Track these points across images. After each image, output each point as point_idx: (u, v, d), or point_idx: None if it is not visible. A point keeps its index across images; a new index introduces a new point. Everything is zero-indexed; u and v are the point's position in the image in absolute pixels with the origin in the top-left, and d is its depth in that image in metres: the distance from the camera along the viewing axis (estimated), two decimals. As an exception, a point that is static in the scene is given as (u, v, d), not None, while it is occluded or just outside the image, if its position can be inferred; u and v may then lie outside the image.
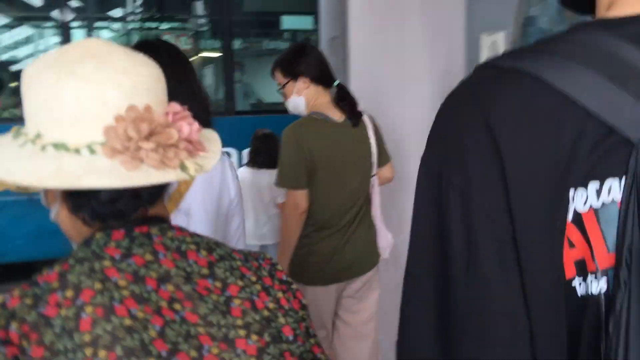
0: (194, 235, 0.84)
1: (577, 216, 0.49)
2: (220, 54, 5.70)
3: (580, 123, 0.49)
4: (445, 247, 0.54)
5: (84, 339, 0.68)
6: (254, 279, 0.83)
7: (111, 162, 0.72)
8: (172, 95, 0.87)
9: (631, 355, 0.45)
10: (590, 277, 0.50)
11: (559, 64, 0.50)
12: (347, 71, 2.81)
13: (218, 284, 0.80)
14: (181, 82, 1.50)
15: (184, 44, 6.42)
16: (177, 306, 0.75)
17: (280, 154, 2.23)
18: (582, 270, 0.50)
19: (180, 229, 0.83)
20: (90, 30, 5.78)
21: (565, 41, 0.52)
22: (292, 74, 2.31)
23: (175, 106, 0.79)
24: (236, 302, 0.80)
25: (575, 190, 0.49)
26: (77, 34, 5.53)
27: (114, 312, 0.71)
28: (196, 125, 0.79)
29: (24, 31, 6.85)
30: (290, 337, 0.82)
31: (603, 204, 0.49)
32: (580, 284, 0.51)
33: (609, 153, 0.48)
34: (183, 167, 0.76)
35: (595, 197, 0.49)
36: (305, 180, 2.20)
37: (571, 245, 0.50)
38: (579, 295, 0.51)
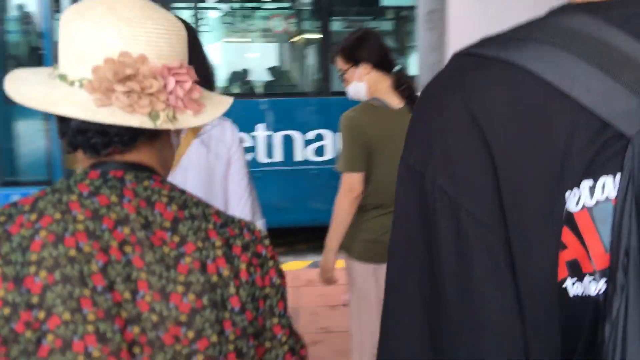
0: (174, 190, 0.86)
1: (569, 216, 0.47)
2: (319, 35, 5.65)
3: (573, 118, 0.46)
4: (433, 256, 0.50)
5: (31, 258, 0.76)
6: (218, 243, 0.84)
7: (88, 97, 0.80)
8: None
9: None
10: (588, 278, 0.48)
11: (547, 54, 0.46)
12: (445, 46, 2.68)
13: (176, 239, 0.81)
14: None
15: (279, 25, 6.46)
16: (128, 249, 0.79)
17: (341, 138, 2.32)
18: (576, 271, 0.48)
19: (162, 182, 0.86)
20: (195, 10, 5.94)
21: (549, 27, 0.48)
22: (354, 60, 2.35)
23: (175, 63, 0.83)
24: (187, 259, 0.81)
25: (571, 190, 0.47)
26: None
27: (62, 241, 0.77)
28: (187, 84, 0.83)
29: None
30: (236, 309, 0.83)
31: (597, 202, 0.46)
32: (573, 284, 0.48)
33: (603, 149, 0.45)
34: (153, 117, 0.80)
35: (589, 196, 0.46)
36: (361, 165, 2.28)
37: (562, 246, 0.48)
38: (571, 296, 0.48)
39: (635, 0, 0.48)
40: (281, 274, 0.91)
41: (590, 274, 0.48)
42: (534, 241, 0.48)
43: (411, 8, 6.19)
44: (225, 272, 0.83)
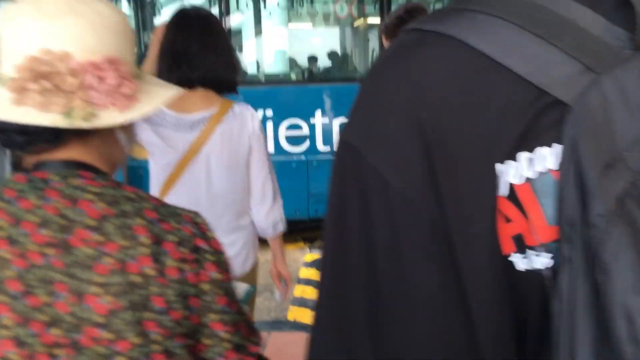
0: (107, 186, 0.83)
1: (511, 189, 0.45)
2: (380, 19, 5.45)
3: (508, 88, 0.44)
4: (366, 233, 0.49)
5: None
6: (145, 241, 0.81)
7: (8, 95, 0.79)
8: (195, 56, 1.56)
9: (577, 334, 0.42)
10: (530, 252, 0.47)
11: (482, 23, 0.46)
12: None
13: (99, 238, 0.80)
14: (205, 45, 1.83)
15: (340, 10, 6.29)
16: (49, 251, 0.78)
17: None
18: (521, 245, 0.46)
19: (94, 179, 0.83)
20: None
21: None
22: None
23: (98, 58, 0.80)
24: (107, 260, 0.79)
25: (503, 163, 0.45)
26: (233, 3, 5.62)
27: None
28: (111, 80, 0.80)
29: None
30: (161, 308, 0.80)
31: (538, 174, 0.44)
32: (519, 259, 0.47)
33: (539, 118, 0.44)
34: (68, 115, 0.78)
35: (528, 167, 0.45)
36: None
37: (507, 220, 0.46)
38: (519, 270, 0.47)
39: None
40: (224, 268, 0.87)
41: (534, 248, 0.46)
42: (470, 215, 0.46)
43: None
44: (149, 271, 0.80)
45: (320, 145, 5.24)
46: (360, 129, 0.50)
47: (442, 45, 0.47)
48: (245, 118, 1.90)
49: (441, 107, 0.46)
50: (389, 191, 0.47)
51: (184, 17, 1.90)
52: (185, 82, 1.82)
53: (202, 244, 0.86)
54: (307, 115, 5.19)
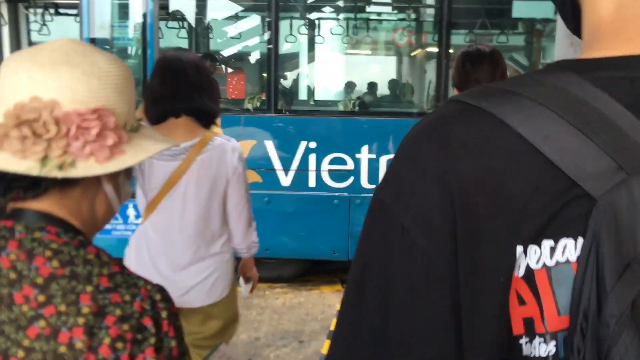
0: (68, 245, 0.82)
1: (530, 273, 0.46)
2: (440, 49, 5.10)
3: (540, 174, 0.46)
4: (386, 285, 0.51)
5: None
6: (85, 310, 0.78)
7: None
8: (187, 96, 1.99)
9: None
10: (538, 339, 0.47)
11: (526, 108, 0.47)
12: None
13: (41, 298, 0.78)
14: (187, 83, 2.04)
15: (399, 38, 6.00)
16: None
17: None
18: (529, 329, 0.47)
19: (58, 234, 0.82)
20: (304, 18, 5.65)
21: (534, 82, 0.49)
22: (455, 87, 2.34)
23: (83, 108, 0.80)
24: (41, 323, 0.77)
25: (524, 247, 0.46)
26: (285, 27, 5.42)
27: None
28: (94, 130, 0.79)
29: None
30: None
31: (557, 263, 0.45)
32: (526, 343, 0.47)
33: (567, 209, 0.45)
34: (44, 163, 0.78)
35: (549, 256, 0.45)
36: None
37: (521, 302, 0.47)
38: (524, 354, 0.47)
39: (624, 62, 0.48)
40: (166, 355, 0.83)
41: (541, 335, 0.47)
42: (482, 290, 0.48)
43: (546, 21, 5.49)
44: (79, 344, 0.77)
45: (365, 183, 4.90)
46: (394, 188, 0.53)
47: (483, 121, 0.49)
48: (225, 150, 2.05)
49: (473, 181, 0.48)
50: (415, 250, 0.50)
51: (167, 59, 2.13)
52: (170, 111, 2.03)
53: (149, 324, 0.81)
54: (352, 149, 4.88)
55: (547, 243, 0.45)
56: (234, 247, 2.19)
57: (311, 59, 6.38)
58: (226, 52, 6.53)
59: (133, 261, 2.13)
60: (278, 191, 4.90)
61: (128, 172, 0.96)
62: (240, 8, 5.99)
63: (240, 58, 6.55)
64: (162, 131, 1.88)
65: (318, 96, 6.36)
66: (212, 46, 6.85)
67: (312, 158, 4.87)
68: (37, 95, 0.79)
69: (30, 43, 7.00)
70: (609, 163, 0.44)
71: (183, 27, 6.52)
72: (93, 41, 4.80)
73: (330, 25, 6.11)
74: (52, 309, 0.77)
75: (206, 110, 2.05)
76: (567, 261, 0.45)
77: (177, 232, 2.05)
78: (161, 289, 0.86)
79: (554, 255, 0.45)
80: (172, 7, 5.78)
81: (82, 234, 0.87)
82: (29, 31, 6.85)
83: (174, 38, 6.45)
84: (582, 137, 0.45)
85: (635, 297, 0.40)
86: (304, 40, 6.23)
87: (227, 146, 2.06)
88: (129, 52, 5.19)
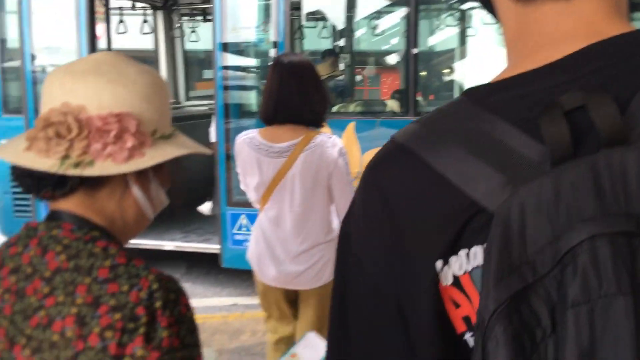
0: (79, 240, 0.86)
1: (456, 279, 0.53)
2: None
3: (449, 198, 0.53)
4: (345, 300, 0.61)
5: None
6: (79, 300, 0.81)
7: (24, 142, 0.88)
8: (285, 99, 2.23)
9: None
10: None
11: (437, 142, 0.55)
12: None
13: (46, 290, 0.83)
14: (294, 90, 2.27)
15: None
16: (7, 297, 0.86)
17: None
18: (470, 325, 0.53)
19: (73, 230, 0.87)
20: (450, 8, 5.06)
21: (447, 115, 0.57)
22: None
23: (107, 113, 0.86)
24: (41, 313, 0.82)
25: (445, 259, 0.54)
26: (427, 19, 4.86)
27: None
28: (112, 133, 0.84)
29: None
30: None
31: (474, 267, 0.52)
32: (471, 336, 0.53)
33: (473, 222, 0.52)
34: (62, 162, 0.84)
35: (467, 262, 0.53)
36: None
37: (456, 305, 0.54)
38: (470, 347, 0.53)
39: (517, 81, 0.55)
40: (155, 346, 0.81)
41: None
42: (414, 300, 0.55)
43: None
44: (69, 333, 0.80)
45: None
46: (351, 218, 0.61)
47: (406, 160, 0.57)
48: (325, 146, 2.23)
49: (401, 211, 0.56)
50: (362, 268, 0.58)
51: (278, 64, 2.34)
52: (273, 119, 2.28)
53: (141, 313, 0.81)
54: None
55: (463, 252, 0.53)
56: None
57: (459, 54, 5.75)
58: (365, 51, 6.13)
59: (253, 250, 2.40)
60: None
61: (163, 181, 0.98)
62: (379, 3, 5.55)
63: (378, 57, 6.10)
64: (271, 130, 2.30)
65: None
66: (354, 45, 6.49)
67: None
68: (67, 101, 0.86)
69: (184, 50, 7.19)
70: (500, 179, 0.50)
71: (325, 27, 6.26)
72: (225, 45, 4.64)
73: (482, 14, 5.45)
74: (53, 300, 0.82)
75: (310, 118, 2.27)
76: (479, 265, 0.52)
77: (287, 221, 2.28)
78: (162, 278, 0.85)
79: (470, 261, 0.52)
80: (309, 7, 5.51)
81: (102, 229, 0.90)
82: (182, 38, 7.02)
83: (314, 38, 6.20)
84: (476, 160, 0.52)
85: (515, 294, 0.44)
86: (449, 33, 5.62)
87: (327, 143, 2.24)
88: (262, 54, 4.99)
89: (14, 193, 5.46)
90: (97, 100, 0.87)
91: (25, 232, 0.90)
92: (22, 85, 5.19)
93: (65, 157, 0.84)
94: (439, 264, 0.53)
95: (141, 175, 0.92)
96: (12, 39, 5.37)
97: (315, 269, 2.32)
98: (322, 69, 5.69)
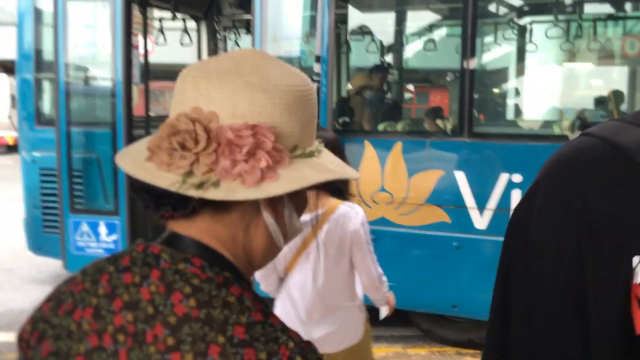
0: (211, 282, 0.74)
1: None
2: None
3: None
4: (523, 292, 0.65)
5: (53, 321, 0.78)
6: None
7: (146, 152, 0.78)
8: None
9: None
10: None
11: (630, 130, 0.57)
12: None
13: (170, 341, 0.71)
14: None
15: (629, 48, 4.71)
16: (121, 338, 0.74)
17: None
18: None
19: (203, 268, 0.75)
20: (508, 22, 4.64)
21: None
22: None
23: (241, 124, 0.74)
24: None
25: None
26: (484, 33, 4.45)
27: (73, 313, 0.76)
28: (244, 149, 0.74)
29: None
30: None
31: None
32: None
33: None
34: (184, 179, 0.73)
35: None
36: None
37: None
38: None
39: None
40: None
41: None
42: (603, 297, 0.57)
43: None
44: None
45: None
46: (528, 208, 0.62)
47: (606, 152, 0.58)
48: (348, 217, 2.28)
49: (598, 205, 0.57)
50: (543, 265, 0.61)
51: None
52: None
53: None
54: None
55: None
56: (371, 298, 2.51)
57: (517, 71, 5.31)
58: (416, 68, 5.76)
59: (280, 312, 2.39)
60: (471, 235, 3.94)
61: (299, 206, 0.86)
62: (432, 17, 5.18)
63: (429, 74, 5.72)
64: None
65: (526, 116, 5.26)
66: (403, 60, 6.13)
67: (516, 195, 3.83)
68: (198, 106, 0.75)
69: None
70: None
71: (373, 41, 5.94)
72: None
73: (543, 29, 5.00)
74: (178, 357, 0.70)
75: (335, 189, 2.31)
76: None
77: (312, 288, 2.33)
78: (304, 347, 0.74)
79: None
80: (356, 20, 5.19)
81: (233, 267, 0.79)
82: (225, 50, 6.85)
83: (361, 53, 5.89)
84: None
85: None
86: (507, 48, 5.19)
87: (350, 213, 2.29)
88: (305, 69, 4.67)
89: (44, 208, 5.30)
90: (231, 107, 0.75)
91: (143, 256, 0.77)
92: (55, 97, 5.01)
93: (189, 173, 0.73)
94: (635, 259, 0.56)
95: (274, 199, 0.80)
96: (48, 51, 5.21)
97: (339, 333, 2.39)
98: (365, 81, 5.35)
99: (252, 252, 0.82)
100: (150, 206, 0.79)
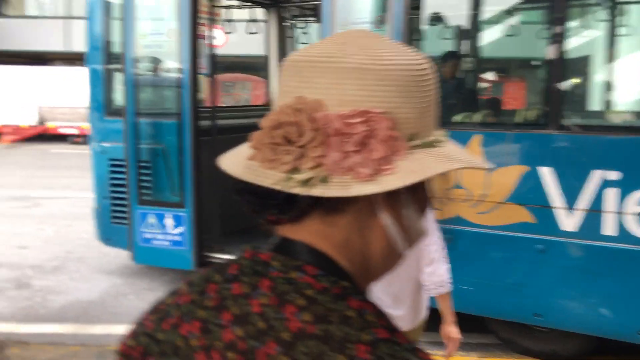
0: (327, 293, 0.68)
1: None
2: None
3: None
4: None
5: (157, 335, 0.75)
6: None
7: (248, 149, 0.74)
8: None
9: None
10: None
11: None
12: None
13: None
14: None
15: None
16: (230, 355, 0.68)
17: None
18: None
19: (318, 277, 0.69)
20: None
21: None
22: None
23: (350, 111, 0.67)
24: None
25: None
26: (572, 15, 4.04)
27: (179, 326, 0.73)
28: (355, 137, 0.66)
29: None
30: None
31: None
32: None
33: None
34: (289, 177, 0.67)
35: None
36: None
37: None
38: None
39: None
40: None
41: None
42: None
43: None
44: None
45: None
46: None
47: None
48: None
49: None
50: None
51: None
52: None
53: None
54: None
55: None
56: (424, 283, 2.44)
57: (611, 56, 4.85)
58: (496, 55, 5.38)
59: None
60: (557, 237, 3.58)
61: (421, 204, 0.76)
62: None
63: (510, 62, 5.33)
64: None
65: (619, 106, 4.80)
66: (480, 47, 5.76)
67: (610, 194, 3.44)
68: (302, 95, 0.69)
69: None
70: None
71: (447, 27, 5.62)
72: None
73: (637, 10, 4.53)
74: None
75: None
76: None
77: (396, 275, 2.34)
78: None
79: None
80: (431, 5, 4.89)
81: (348, 276, 0.72)
82: (293, 38, 6.71)
83: (435, 40, 5.58)
84: None
85: None
86: (598, 31, 4.74)
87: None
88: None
89: (113, 199, 5.31)
90: (338, 93, 0.69)
91: (251, 263, 0.73)
92: (123, 88, 4.98)
93: (294, 169, 0.67)
94: None
95: (392, 197, 0.72)
96: (116, 42, 5.20)
97: (409, 317, 2.51)
98: (444, 69, 5.05)
99: (369, 259, 0.76)
100: (256, 209, 0.73)
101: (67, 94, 17.26)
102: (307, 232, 0.72)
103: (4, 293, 5.10)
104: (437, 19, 5.49)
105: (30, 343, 4.07)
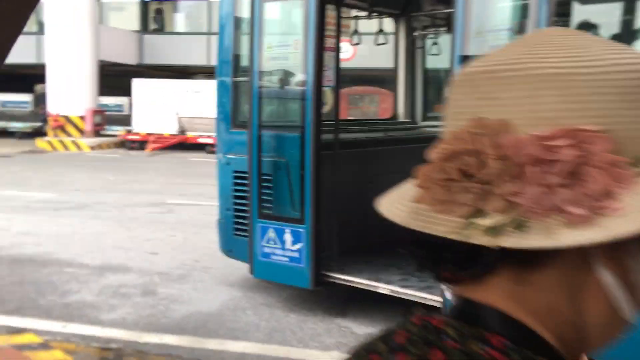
0: None
1: None
2: None
3: None
4: None
5: None
6: None
7: (415, 189, 0.64)
8: None
9: None
10: None
11: None
12: None
13: None
14: None
15: None
16: None
17: None
18: None
19: (507, 353, 0.56)
20: None
21: None
22: None
23: (552, 131, 0.54)
24: None
25: None
26: None
27: None
28: (563, 166, 0.54)
29: None
30: None
31: None
32: None
33: None
34: (470, 222, 0.55)
35: None
36: None
37: None
38: None
39: None
40: None
41: None
42: None
43: None
44: None
45: None
46: None
47: None
48: None
49: None
50: None
51: None
52: None
53: None
54: None
55: None
56: None
57: None
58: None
59: None
60: None
61: None
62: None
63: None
64: None
65: None
66: None
67: None
68: (481, 116, 0.57)
69: (424, 67, 6.64)
70: None
71: (597, 36, 5.06)
72: (466, 58, 3.82)
73: None
74: None
75: None
76: None
77: None
78: None
79: None
80: (583, 12, 4.45)
81: (549, 351, 0.59)
82: (423, 49, 6.49)
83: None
84: None
85: None
86: None
87: None
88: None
89: (235, 211, 5.34)
90: (530, 109, 0.56)
91: (421, 331, 0.61)
92: (249, 100, 5.00)
93: (476, 213, 0.55)
94: None
95: (616, 246, 0.55)
96: (244, 55, 5.27)
97: None
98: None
99: (582, 329, 0.63)
100: (426, 265, 0.64)
101: (205, 106, 18.23)
102: (494, 294, 0.61)
103: (131, 299, 5.29)
104: (586, 26, 4.97)
105: (148, 354, 4.14)
